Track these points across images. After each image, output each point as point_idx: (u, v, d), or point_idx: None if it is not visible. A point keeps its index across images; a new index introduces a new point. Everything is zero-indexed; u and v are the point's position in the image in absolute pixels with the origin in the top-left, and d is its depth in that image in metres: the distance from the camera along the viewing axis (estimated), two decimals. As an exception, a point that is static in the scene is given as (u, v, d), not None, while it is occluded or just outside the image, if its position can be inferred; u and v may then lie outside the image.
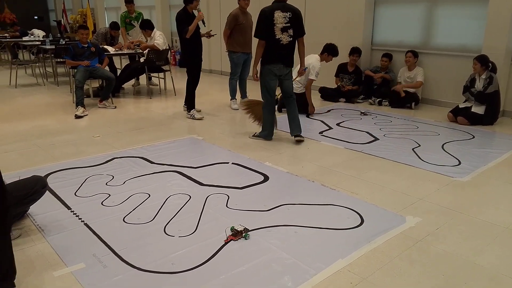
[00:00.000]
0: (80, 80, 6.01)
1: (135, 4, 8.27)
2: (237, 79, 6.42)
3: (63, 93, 7.49)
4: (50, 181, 3.48)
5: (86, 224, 2.80)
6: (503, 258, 2.45)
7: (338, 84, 7.06)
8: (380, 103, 6.62)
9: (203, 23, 5.63)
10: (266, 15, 4.35)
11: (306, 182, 3.58)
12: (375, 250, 2.51)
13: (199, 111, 5.89)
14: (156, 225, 2.80)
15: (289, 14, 4.36)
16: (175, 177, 3.66)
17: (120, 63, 8.42)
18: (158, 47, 6.92)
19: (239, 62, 6.25)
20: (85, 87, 6.26)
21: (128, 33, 8.21)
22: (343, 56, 7.08)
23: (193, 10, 5.46)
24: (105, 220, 2.87)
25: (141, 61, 7.23)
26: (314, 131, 5.12)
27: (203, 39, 5.77)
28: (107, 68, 6.75)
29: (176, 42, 11.51)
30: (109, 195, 3.26)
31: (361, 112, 6.05)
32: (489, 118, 5.40)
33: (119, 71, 7.60)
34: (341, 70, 7.04)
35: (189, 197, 3.24)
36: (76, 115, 5.76)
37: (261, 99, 4.75)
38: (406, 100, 6.36)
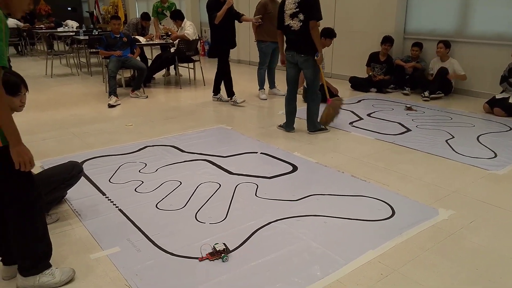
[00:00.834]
0: (112, 70, 6.15)
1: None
2: (266, 69, 6.41)
3: (96, 83, 7.69)
4: (85, 168, 3.58)
5: (120, 210, 2.89)
6: (541, 253, 2.38)
7: (370, 73, 6.93)
8: (430, 96, 6.15)
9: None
10: (281, 4, 4.41)
11: (336, 172, 3.55)
12: (407, 242, 2.48)
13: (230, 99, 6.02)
14: (188, 212, 2.86)
15: None
16: (205, 165, 3.71)
17: (151, 53, 8.54)
18: (188, 37, 6.98)
19: (268, 52, 6.23)
20: (118, 77, 6.40)
21: (160, 23, 8.29)
22: (374, 45, 6.95)
23: None
24: (139, 206, 2.95)
25: (171, 51, 7.32)
26: (344, 121, 5.06)
27: (238, 28, 5.82)
28: (138, 58, 6.87)
29: (205, 32, 11.57)
30: (142, 182, 3.35)
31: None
32: (528, 109, 5.19)
33: (149, 62, 7.72)
34: (373, 59, 6.91)
35: (219, 185, 3.29)
36: (109, 104, 5.90)
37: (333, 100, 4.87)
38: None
